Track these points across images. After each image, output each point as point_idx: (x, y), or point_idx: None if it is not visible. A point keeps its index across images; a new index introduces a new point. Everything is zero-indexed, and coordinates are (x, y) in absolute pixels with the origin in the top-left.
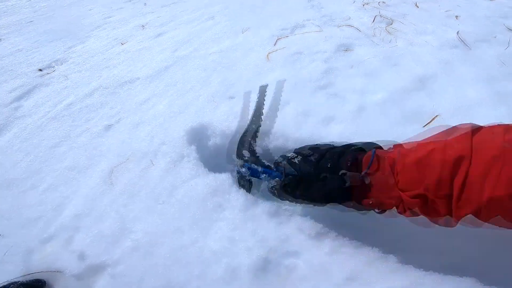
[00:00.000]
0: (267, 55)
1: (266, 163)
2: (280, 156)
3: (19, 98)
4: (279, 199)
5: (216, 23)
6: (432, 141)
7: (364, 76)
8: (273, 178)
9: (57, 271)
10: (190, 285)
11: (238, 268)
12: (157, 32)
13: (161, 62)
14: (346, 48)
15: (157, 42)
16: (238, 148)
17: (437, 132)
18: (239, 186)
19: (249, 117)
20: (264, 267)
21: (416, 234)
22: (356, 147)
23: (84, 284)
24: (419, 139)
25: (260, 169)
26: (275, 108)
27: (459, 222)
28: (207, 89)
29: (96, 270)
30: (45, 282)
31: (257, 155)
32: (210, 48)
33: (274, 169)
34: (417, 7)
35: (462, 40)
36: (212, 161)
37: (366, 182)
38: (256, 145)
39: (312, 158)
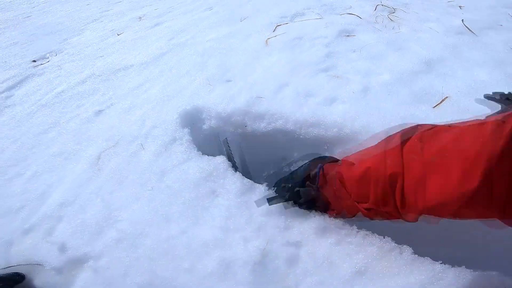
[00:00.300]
0: (266, 41)
1: None
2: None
3: (11, 88)
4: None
5: (214, 13)
6: (368, 157)
7: (368, 59)
8: None
9: (37, 264)
10: (178, 281)
11: (233, 261)
12: (154, 23)
13: (156, 49)
14: (348, 34)
15: (153, 32)
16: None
17: (375, 142)
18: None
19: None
20: (262, 260)
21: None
22: (307, 163)
23: (65, 278)
24: (368, 144)
25: None
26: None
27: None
28: (203, 73)
29: (77, 263)
30: (24, 276)
31: None
32: (207, 36)
33: None
34: None
35: (467, 28)
36: (206, 144)
37: (315, 194)
38: None
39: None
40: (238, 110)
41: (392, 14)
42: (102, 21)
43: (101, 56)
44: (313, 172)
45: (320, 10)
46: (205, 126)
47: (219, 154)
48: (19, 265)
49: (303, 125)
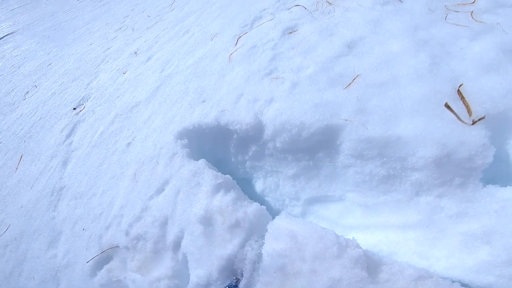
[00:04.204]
0: (229, 57)
1: None
2: None
3: (69, 135)
4: None
5: (190, 36)
6: None
7: (302, 53)
8: None
9: (116, 246)
10: None
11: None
12: (147, 56)
13: (153, 83)
14: (291, 31)
15: (148, 66)
16: None
17: None
18: None
19: None
20: None
21: None
22: None
23: (131, 252)
24: None
25: None
26: None
27: None
28: (186, 98)
29: (137, 240)
30: None
31: None
32: (187, 62)
33: None
34: None
35: None
36: (192, 151)
37: None
38: None
39: None
40: (210, 124)
41: None
42: (108, 61)
43: (118, 97)
44: None
45: (274, 8)
46: (190, 140)
47: (201, 158)
48: (107, 249)
49: (249, 125)
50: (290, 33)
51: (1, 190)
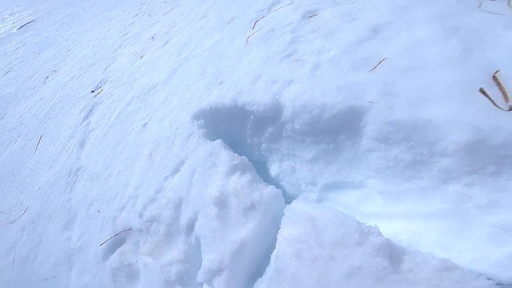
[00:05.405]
0: (247, 39)
1: None
2: None
3: (87, 116)
4: None
5: (207, 21)
6: None
7: (323, 37)
8: None
9: (129, 229)
10: None
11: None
12: (164, 41)
13: (170, 66)
14: (311, 15)
15: (165, 50)
16: None
17: None
18: None
19: None
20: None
21: None
22: None
23: (144, 235)
24: None
25: None
26: None
27: None
28: (203, 80)
29: (150, 223)
30: None
31: None
32: (204, 45)
33: None
34: None
35: None
36: (209, 132)
37: None
38: None
39: None
40: (227, 105)
41: None
42: (125, 46)
43: (135, 80)
44: None
45: None
46: (206, 120)
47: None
48: (121, 232)
49: (267, 106)
50: (311, 17)
51: (21, 171)
